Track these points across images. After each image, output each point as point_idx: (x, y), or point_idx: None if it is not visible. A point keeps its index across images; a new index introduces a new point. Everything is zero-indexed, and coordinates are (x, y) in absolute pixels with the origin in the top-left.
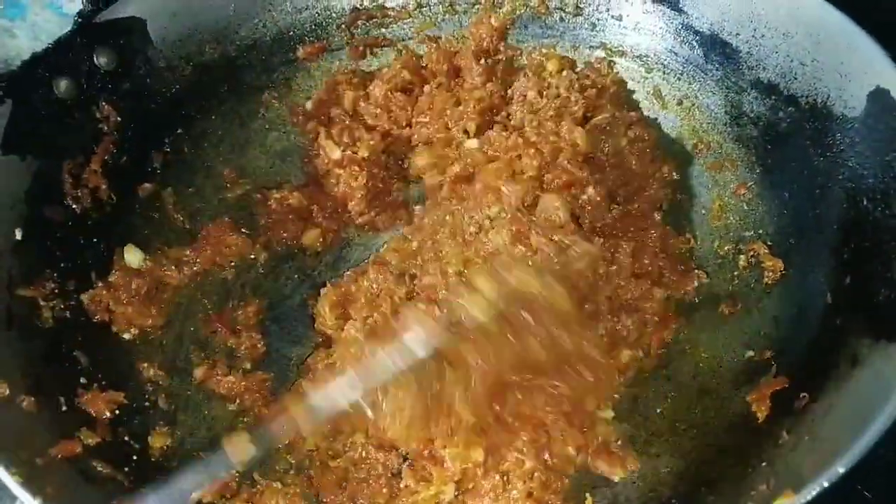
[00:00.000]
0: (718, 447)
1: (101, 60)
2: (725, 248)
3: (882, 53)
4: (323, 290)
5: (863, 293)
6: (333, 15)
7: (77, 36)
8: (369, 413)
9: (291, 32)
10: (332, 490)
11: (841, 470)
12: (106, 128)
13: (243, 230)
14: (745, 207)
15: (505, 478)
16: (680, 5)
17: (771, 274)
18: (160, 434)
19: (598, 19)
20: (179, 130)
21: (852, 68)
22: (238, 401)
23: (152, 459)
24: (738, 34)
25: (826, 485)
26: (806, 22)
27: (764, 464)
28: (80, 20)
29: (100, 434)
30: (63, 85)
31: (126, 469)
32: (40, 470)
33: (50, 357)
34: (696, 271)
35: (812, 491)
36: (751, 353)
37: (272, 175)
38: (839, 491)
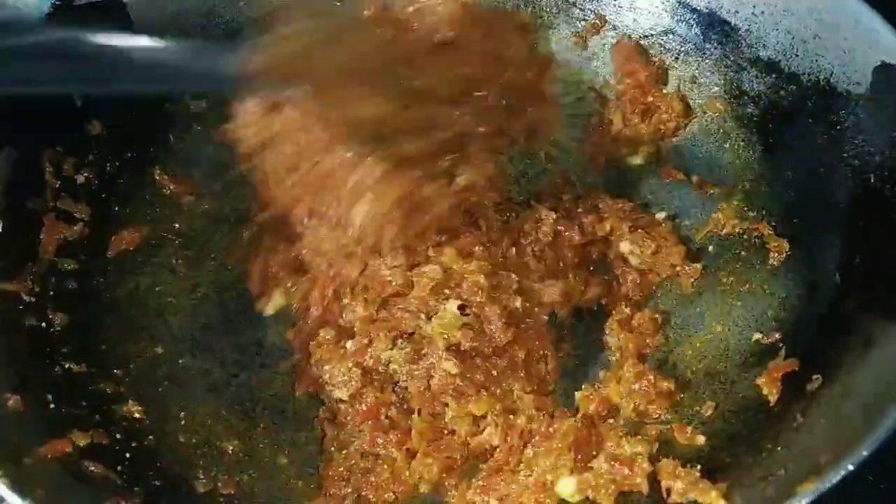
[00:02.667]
0: (729, 432)
1: None
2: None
3: (887, 27)
4: None
5: (874, 273)
6: None
7: (53, 19)
8: None
9: None
10: (336, 483)
11: (865, 453)
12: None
13: None
14: (748, 187)
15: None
16: None
17: (776, 255)
18: None
19: None
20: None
21: (856, 44)
22: None
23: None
24: (737, 12)
25: (851, 468)
26: None
27: (780, 448)
28: (56, 2)
29: (92, 435)
30: None
31: (119, 468)
32: (29, 470)
33: (35, 353)
34: None
35: (837, 474)
36: (758, 335)
37: None
38: (851, 480)
